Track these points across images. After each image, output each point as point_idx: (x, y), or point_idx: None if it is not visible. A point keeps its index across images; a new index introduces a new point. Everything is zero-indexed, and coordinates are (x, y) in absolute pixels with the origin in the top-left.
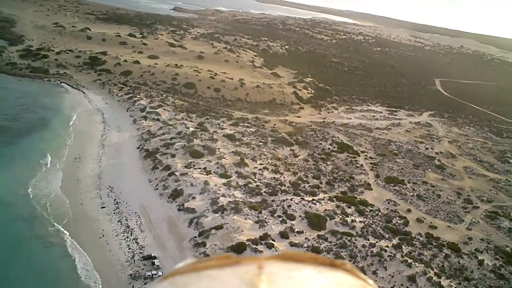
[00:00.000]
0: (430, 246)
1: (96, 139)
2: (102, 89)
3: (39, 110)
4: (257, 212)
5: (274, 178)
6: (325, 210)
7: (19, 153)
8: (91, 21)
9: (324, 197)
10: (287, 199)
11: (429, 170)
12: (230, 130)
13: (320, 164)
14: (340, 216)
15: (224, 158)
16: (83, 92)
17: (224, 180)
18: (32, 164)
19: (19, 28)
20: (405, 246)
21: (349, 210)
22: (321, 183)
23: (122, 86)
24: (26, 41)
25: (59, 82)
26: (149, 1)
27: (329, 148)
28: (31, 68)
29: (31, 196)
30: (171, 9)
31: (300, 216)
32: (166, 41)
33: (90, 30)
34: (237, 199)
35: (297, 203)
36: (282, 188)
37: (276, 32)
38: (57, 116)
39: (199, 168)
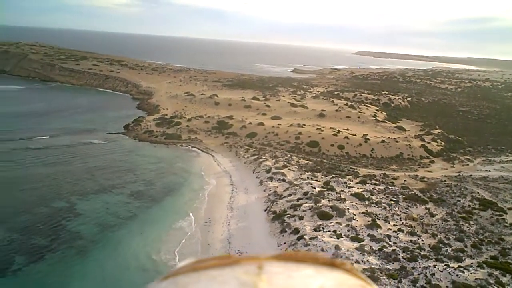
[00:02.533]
0: None
1: (225, 202)
2: (229, 151)
3: (172, 175)
4: (396, 281)
5: (411, 241)
6: (476, 279)
7: (155, 217)
8: (218, 88)
9: (471, 263)
10: (429, 266)
11: None
12: (358, 188)
13: (462, 224)
14: (495, 287)
15: (354, 219)
16: (212, 156)
17: (356, 244)
18: (167, 229)
19: (155, 99)
20: None
21: (504, 279)
22: (465, 246)
23: (248, 148)
24: (161, 110)
25: (190, 146)
26: (270, 66)
27: (469, 205)
28: (166, 135)
29: (163, 260)
30: (290, 71)
31: (447, 286)
32: (288, 102)
33: (217, 97)
34: (372, 266)
35: (441, 271)
36: (422, 253)
37: (396, 85)
38: (189, 180)
39: (329, 231)
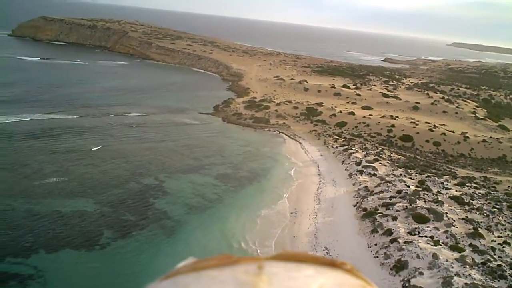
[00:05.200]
0: None
1: (311, 193)
2: (317, 140)
3: (259, 159)
4: None
5: None
6: None
7: (241, 203)
8: (307, 74)
9: None
10: None
11: None
12: (456, 191)
13: None
14: None
15: (454, 225)
16: (300, 143)
17: (456, 254)
18: (252, 217)
19: (245, 81)
20: None
21: None
22: None
23: (337, 137)
24: (250, 93)
25: (278, 132)
26: (360, 53)
27: None
28: (254, 118)
29: (245, 248)
30: (381, 60)
31: None
32: (380, 92)
33: (307, 82)
34: (475, 281)
35: None
36: None
37: (496, 80)
38: (275, 167)
39: (425, 236)
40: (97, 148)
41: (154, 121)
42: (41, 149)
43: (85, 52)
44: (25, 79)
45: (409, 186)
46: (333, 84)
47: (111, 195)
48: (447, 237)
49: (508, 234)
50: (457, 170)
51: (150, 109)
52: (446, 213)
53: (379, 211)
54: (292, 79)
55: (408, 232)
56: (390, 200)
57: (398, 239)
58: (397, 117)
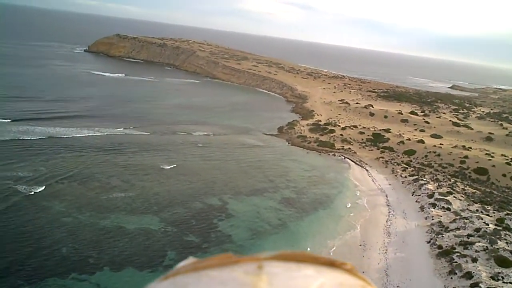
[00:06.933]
0: None
1: (381, 224)
2: (385, 167)
3: (324, 185)
4: None
5: None
6: None
7: (306, 231)
8: (373, 98)
9: None
10: None
11: None
12: None
13: None
14: None
15: None
16: (366, 170)
17: None
18: (318, 247)
19: (309, 104)
20: None
21: None
22: None
23: (405, 166)
24: (315, 115)
25: (343, 157)
26: (426, 79)
27: None
28: (319, 142)
29: None
30: (448, 87)
31: None
32: (450, 120)
33: (372, 107)
34: None
35: None
36: None
37: None
38: (341, 194)
39: (510, 283)
40: (167, 167)
41: (218, 140)
42: (109, 163)
43: (155, 69)
44: (98, 94)
45: (488, 224)
46: (400, 110)
47: (176, 214)
48: None
49: None
50: None
51: (215, 128)
52: None
53: (456, 250)
54: (357, 103)
55: (490, 277)
56: (468, 238)
57: (480, 284)
58: (470, 147)
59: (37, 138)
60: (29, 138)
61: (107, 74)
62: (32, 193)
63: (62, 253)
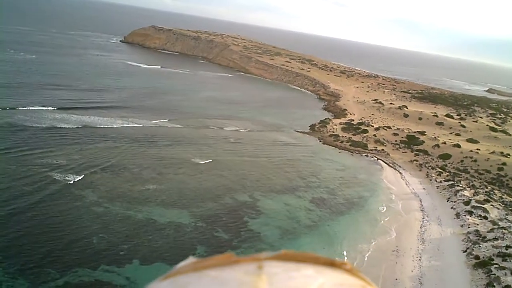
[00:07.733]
0: None
1: (415, 230)
2: (419, 171)
3: (357, 186)
4: None
5: None
6: None
7: (337, 233)
8: (407, 99)
9: None
10: None
11: None
12: None
13: None
14: None
15: None
16: (400, 172)
17: None
18: (349, 250)
19: (342, 102)
20: None
21: None
22: None
23: (440, 170)
24: (348, 114)
25: (376, 158)
26: (462, 82)
27: None
28: (351, 141)
29: None
30: (485, 90)
31: None
32: (487, 125)
33: (407, 108)
34: None
35: None
36: None
37: None
38: (374, 196)
39: None
40: (200, 161)
41: (250, 136)
42: (144, 155)
43: (189, 62)
44: (133, 85)
45: None
46: (435, 113)
47: (206, 209)
48: None
49: None
50: None
51: (247, 123)
52: None
53: (494, 262)
54: (391, 103)
55: None
56: (507, 250)
57: None
58: (508, 154)
59: (73, 127)
60: (65, 127)
61: (143, 66)
62: (70, 182)
63: (94, 244)
